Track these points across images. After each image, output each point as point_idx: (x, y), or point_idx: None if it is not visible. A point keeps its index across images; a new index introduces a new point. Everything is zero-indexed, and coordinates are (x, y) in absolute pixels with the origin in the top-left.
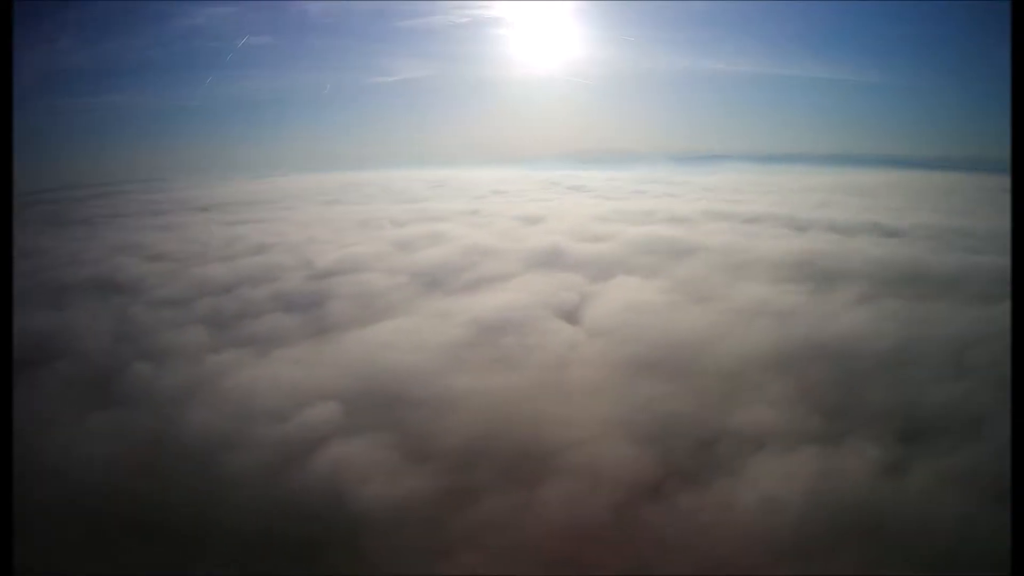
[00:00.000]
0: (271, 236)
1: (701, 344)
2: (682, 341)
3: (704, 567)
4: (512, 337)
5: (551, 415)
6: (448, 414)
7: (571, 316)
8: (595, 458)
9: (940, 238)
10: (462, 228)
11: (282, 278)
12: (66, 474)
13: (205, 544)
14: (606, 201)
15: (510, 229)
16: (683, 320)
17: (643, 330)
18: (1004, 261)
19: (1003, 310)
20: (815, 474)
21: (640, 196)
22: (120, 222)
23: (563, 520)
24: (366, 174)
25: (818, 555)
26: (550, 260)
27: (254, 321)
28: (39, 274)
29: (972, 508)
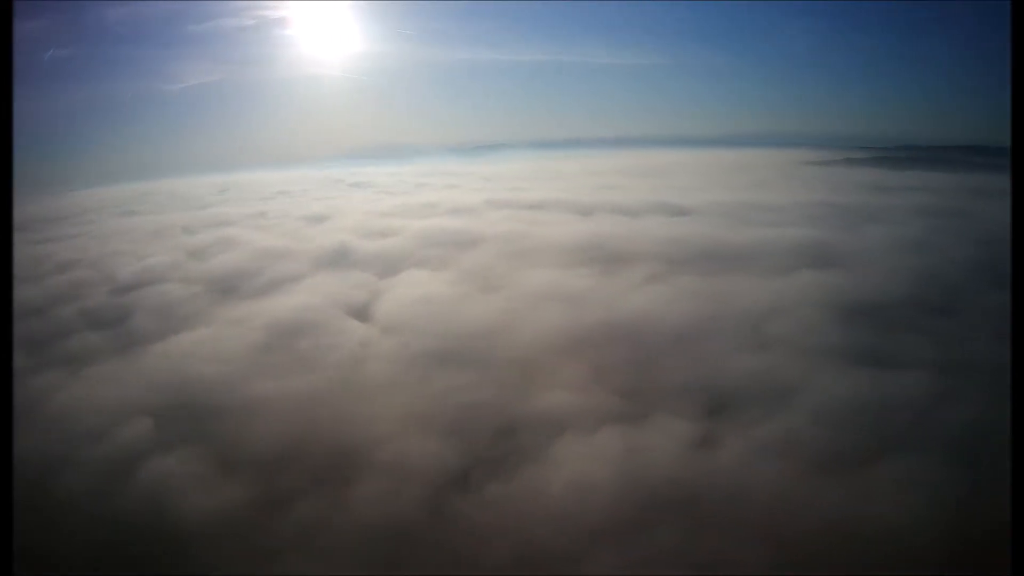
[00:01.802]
0: (75, 253)
1: (494, 333)
2: (474, 331)
3: (520, 555)
4: (307, 339)
5: (353, 414)
6: (255, 421)
7: (362, 314)
8: (401, 454)
9: (732, 214)
10: (251, 232)
11: (88, 295)
12: None
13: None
14: (390, 196)
15: (297, 230)
16: (474, 310)
17: (435, 323)
18: (798, 232)
19: (799, 280)
20: (622, 453)
21: (423, 189)
22: None
23: (377, 518)
24: (159, 183)
25: (636, 534)
26: (338, 259)
27: (66, 341)
28: None
29: (789, 476)
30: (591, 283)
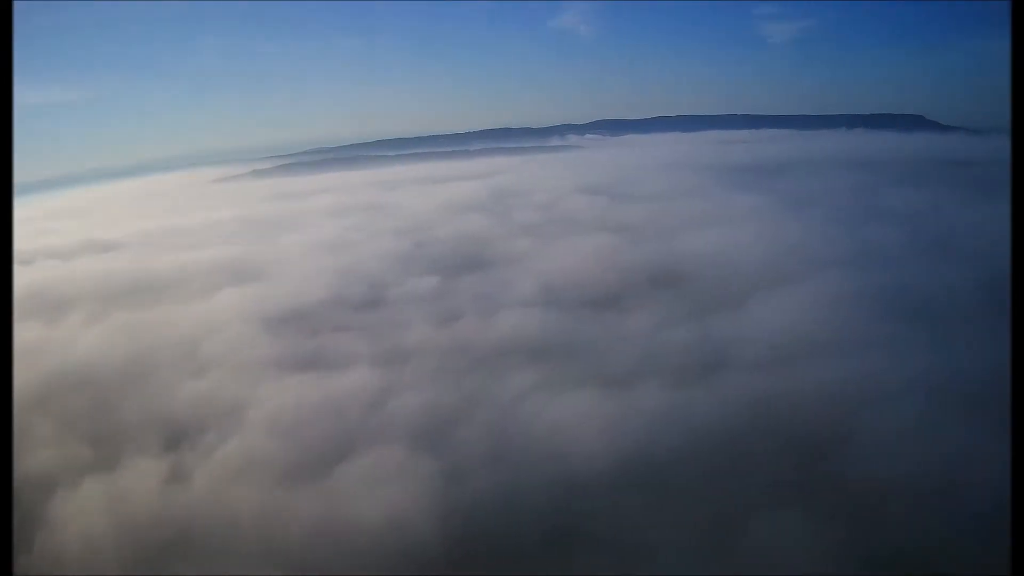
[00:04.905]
0: None
1: None
2: None
3: None
4: None
5: None
6: None
7: None
8: None
9: (154, 242)
10: None
11: None
12: None
13: None
14: None
15: None
16: None
17: None
18: (215, 252)
19: (224, 299)
20: (107, 502)
21: None
22: None
23: None
24: None
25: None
26: None
27: None
28: None
29: (264, 494)
30: (39, 334)
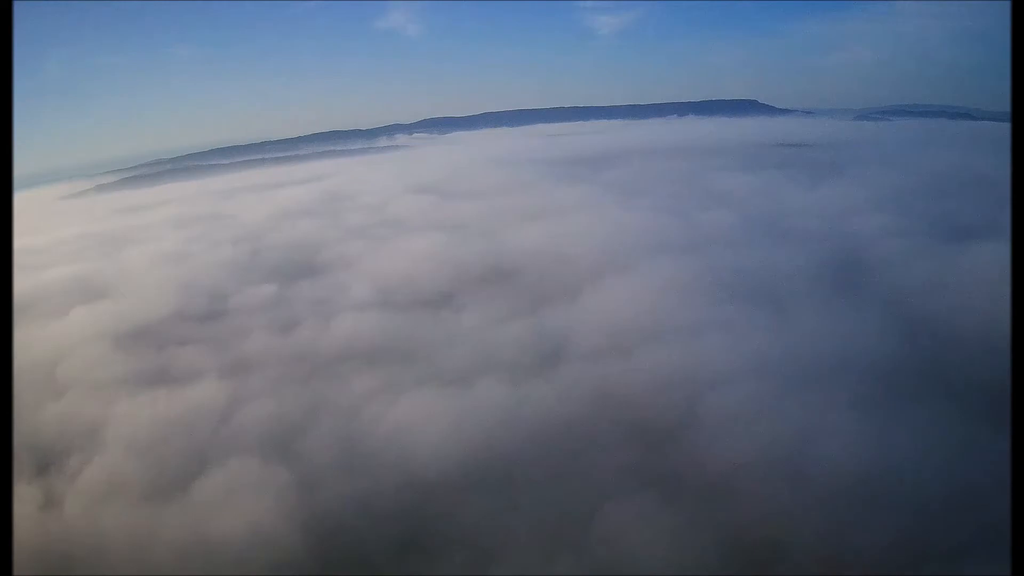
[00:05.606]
0: None
1: None
2: None
3: None
4: None
5: None
6: None
7: None
8: None
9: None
10: None
11: None
12: None
13: None
14: None
15: None
16: None
17: None
18: (65, 271)
19: (75, 319)
20: None
21: None
22: None
23: None
24: None
25: None
26: None
27: None
28: None
29: (131, 513)
30: None
